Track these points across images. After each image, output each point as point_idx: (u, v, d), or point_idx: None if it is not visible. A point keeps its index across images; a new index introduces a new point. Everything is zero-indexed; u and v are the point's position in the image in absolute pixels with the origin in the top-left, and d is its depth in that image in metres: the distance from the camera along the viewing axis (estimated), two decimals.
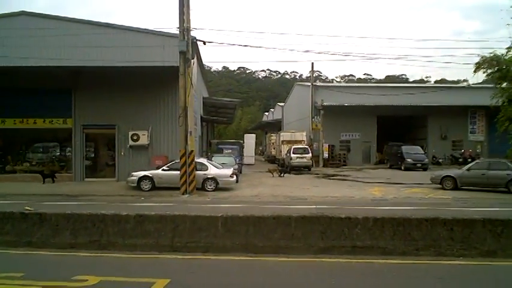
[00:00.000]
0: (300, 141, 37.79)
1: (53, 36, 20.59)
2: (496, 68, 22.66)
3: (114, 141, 24.74)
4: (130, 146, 24.25)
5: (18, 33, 20.66)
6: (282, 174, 28.60)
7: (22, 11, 22.20)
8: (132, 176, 20.55)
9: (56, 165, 25.60)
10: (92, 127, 24.80)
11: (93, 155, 26.20)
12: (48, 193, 19.08)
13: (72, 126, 24.61)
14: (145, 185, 20.12)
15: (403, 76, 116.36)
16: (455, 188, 20.49)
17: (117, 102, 24.30)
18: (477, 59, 23.13)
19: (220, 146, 37.23)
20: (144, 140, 24.11)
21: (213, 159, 25.52)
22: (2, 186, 20.72)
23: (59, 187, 21.26)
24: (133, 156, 24.34)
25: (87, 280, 6.36)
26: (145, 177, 20.28)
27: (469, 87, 43.02)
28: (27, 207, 10.23)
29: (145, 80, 23.82)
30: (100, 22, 22.54)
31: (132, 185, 20.36)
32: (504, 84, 22.37)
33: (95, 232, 8.59)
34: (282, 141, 40.22)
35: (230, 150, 34.23)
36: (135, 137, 24.06)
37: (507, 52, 22.06)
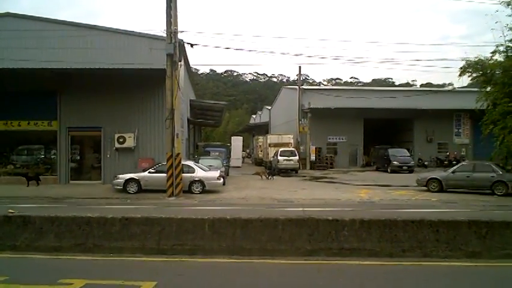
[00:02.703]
0: (287, 144, 37.87)
1: (38, 38, 20.39)
2: (480, 72, 22.94)
3: (100, 144, 24.52)
4: (117, 149, 24.05)
5: (3, 35, 20.47)
6: (270, 177, 28.61)
7: (7, 12, 21.92)
8: (118, 178, 20.39)
9: (41, 168, 25.29)
10: (77, 129, 24.57)
11: (78, 158, 25.88)
12: (33, 196, 18.83)
13: (57, 129, 24.36)
14: (132, 188, 19.98)
15: (390, 79, 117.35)
16: (441, 190, 20.69)
17: (103, 105, 24.09)
18: (462, 63, 23.40)
19: (207, 149, 37.11)
20: (130, 142, 23.94)
21: (200, 161, 25.41)
22: None
23: (44, 190, 21.00)
24: (119, 158, 24.15)
25: (72, 283, 6.29)
26: (131, 179, 20.13)
27: (454, 91, 43.53)
28: (10, 210, 10.08)
29: (132, 82, 23.66)
30: (86, 24, 22.33)
31: (118, 187, 20.20)
32: (488, 88, 22.65)
33: (80, 235, 8.50)
34: (269, 144, 40.26)
35: (217, 153, 34.14)
36: (121, 140, 23.88)
37: (491, 56, 22.35)
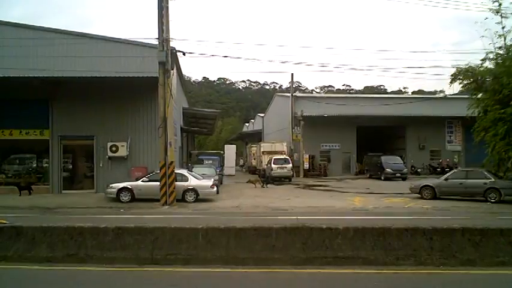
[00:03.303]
0: (280, 152, 37.89)
1: (29, 46, 20.27)
2: (471, 79, 23.08)
3: (93, 153, 24.39)
4: (109, 157, 23.94)
5: None
6: (264, 185, 28.56)
7: None
8: (111, 187, 20.27)
9: (33, 177, 25.09)
10: (69, 138, 24.44)
11: (71, 167, 25.72)
12: (25, 206, 18.67)
13: (49, 138, 24.20)
14: (125, 197, 19.86)
15: (382, 87, 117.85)
16: (434, 197, 20.73)
17: (96, 113, 24.01)
18: (453, 70, 23.53)
19: (200, 157, 37.17)
20: (123, 151, 23.84)
21: (193, 170, 25.36)
22: None
23: (36, 199, 20.82)
24: (112, 167, 24.02)
25: None
26: (124, 188, 20.03)
27: (446, 98, 43.78)
28: (2, 220, 10.00)
29: (124, 90, 23.61)
30: (78, 32, 22.24)
31: (111, 196, 20.09)
32: (479, 95, 22.77)
33: (73, 245, 8.42)
34: (263, 151, 40.28)
35: (211, 161, 34.12)
36: (114, 148, 23.78)
37: (482, 63, 22.50)
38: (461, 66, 23.07)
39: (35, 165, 25.93)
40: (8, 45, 20.18)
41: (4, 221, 9.75)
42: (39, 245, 8.48)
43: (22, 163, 26.10)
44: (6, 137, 24.35)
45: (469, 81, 23.36)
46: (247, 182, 29.75)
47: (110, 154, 23.81)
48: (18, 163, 26.08)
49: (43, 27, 22.10)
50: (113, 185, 20.36)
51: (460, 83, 24.09)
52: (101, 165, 24.17)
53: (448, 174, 22.34)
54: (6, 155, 25.90)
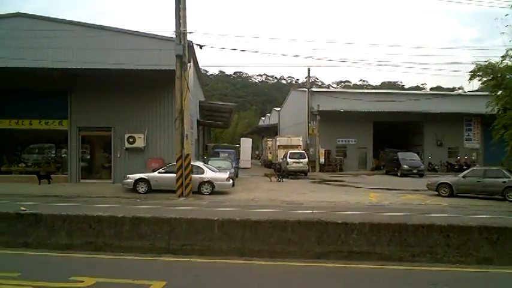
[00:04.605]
0: (296, 146, 37.87)
1: (49, 38, 20.57)
2: (491, 76, 22.75)
3: (110, 144, 24.70)
4: (126, 149, 24.21)
5: (14, 35, 20.63)
6: (279, 179, 28.58)
7: (18, 12, 22.16)
8: (128, 178, 20.50)
9: (52, 166, 25.55)
10: (88, 129, 24.84)
11: (89, 157, 26.15)
12: (44, 194, 19.01)
13: (67, 128, 24.60)
14: (142, 188, 20.09)
15: (399, 83, 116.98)
16: (451, 195, 20.55)
17: (114, 105, 24.30)
18: (472, 67, 23.22)
19: (216, 150, 37.19)
20: (140, 142, 24.09)
21: (209, 162, 25.49)
22: None
23: (55, 188, 21.18)
24: (129, 158, 24.30)
25: (83, 281, 6.33)
26: (141, 179, 20.25)
27: (465, 95, 43.22)
28: (22, 208, 10.19)
29: (142, 82, 23.83)
30: (96, 25, 22.50)
31: (128, 187, 20.32)
32: (499, 93, 22.45)
33: (91, 233, 8.56)
34: (279, 146, 40.29)
35: (227, 154, 34.20)
36: (131, 140, 24.04)
37: (502, 60, 22.15)
38: (480, 63, 22.77)
39: (54, 154, 26.45)
40: (27, 36, 20.43)
41: (24, 209, 9.93)
42: (58, 233, 8.64)
43: (41, 152, 26.62)
44: (26, 127, 24.78)
45: (488, 78, 23.01)
46: (263, 176, 29.80)
47: (127, 145, 24.08)
48: (38, 152, 26.61)
49: (62, 19, 22.45)
50: (130, 175, 20.60)
51: (479, 80, 23.77)
52: (118, 156, 24.49)
53: (466, 171, 22.11)
54: (26, 144, 26.43)
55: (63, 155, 25.66)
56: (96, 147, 26.32)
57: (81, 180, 24.54)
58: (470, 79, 23.70)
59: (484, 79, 23.37)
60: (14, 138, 25.76)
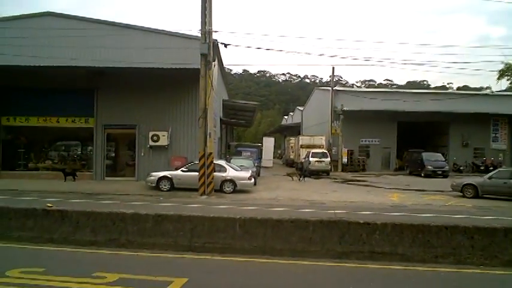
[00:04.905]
0: (318, 146, 37.77)
1: (77, 37, 20.93)
2: None
3: (135, 141, 24.98)
4: (150, 147, 24.47)
5: (44, 34, 20.92)
6: (301, 178, 28.50)
7: (48, 11, 22.56)
8: (152, 176, 20.73)
9: (78, 164, 26.00)
10: (113, 127, 25.11)
11: (113, 155, 26.52)
12: (70, 191, 19.36)
13: (93, 126, 24.95)
14: (164, 186, 20.28)
15: (425, 82, 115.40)
16: (476, 196, 20.17)
17: (138, 103, 24.56)
18: (501, 66, 22.79)
19: (239, 149, 37.26)
20: (163, 140, 24.31)
21: (231, 161, 25.56)
22: (24, 183, 21.14)
23: (80, 185, 21.55)
24: (152, 156, 24.54)
25: (106, 277, 6.45)
26: (164, 177, 20.44)
27: (492, 95, 42.36)
28: (48, 204, 10.41)
29: (166, 81, 24.04)
30: (122, 23, 22.80)
31: (152, 185, 20.54)
32: None
33: (115, 230, 8.70)
34: (301, 145, 40.22)
35: (249, 153, 34.24)
36: (155, 138, 24.28)
37: None
38: (509, 62, 22.32)
39: (79, 152, 26.90)
40: (55, 35, 20.78)
41: (50, 205, 10.13)
42: (83, 229, 8.81)
43: (67, 150, 27.09)
44: (54, 124, 25.24)
45: None
46: (285, 175, 29.79)
47: (151, 143, 24.32)
48: (64, 150, 27.08)
49: (89, 18, 22.72)
50: (153, 173, 20.81)
51: (508, 79, 23.31)
52: (142, 154, 24.72)
53: (491, 173, 21.65)
54: (52, 142, 26.92)
55: (89, 153, 26.07)
56: (121, 145, 26.67)
57: (106, 178, 24.86)
58: (498, 78, 23.32)
59: None
60: (42, 135, 26.24)
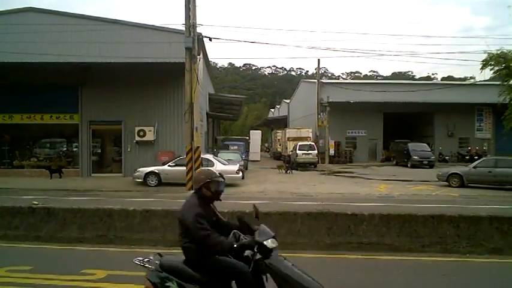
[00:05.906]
0: (305, 138, 37.82)
1: (60, 32, 20.70)
2: (503, 65, 22.52)
3: (121, 137, 24.83)
4: (137, 142, 24.33)
5: (26, 29, 20.69)
6: (289, 171, 28.57)
7: (30, 7, 22.27)
8: (139, 171, 20.63)
9: (63, 161, 25.76)
10: (98, 123, 24.91)
11: (99, 151, 26.35)
12: (56, 188, 19.17)
13: (78, 122, 24.72)
14: (152, 181, 20.20)
15: (410, 73, 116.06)
16: (462, 185, 20.40)
17: (124, 98, 24.37)
18: (484, 56, 23.00)
19: (226, 142, 37.24)
20: (150, 135, 24.19)
21: (219, 155, 25.53)
22: (10, 181, 20.86)
23: (66, 182, 21.37)
24: (139, 152, 24.42)
25: (95, 274, 6.43)
26: (151, 172, 20.36)
27: (476, 85, 42.76)
28: (34, 202, 10.31)
29: (152, 76, 23.88)
30: (106, 18, 22.56)
31: (139, 180, 20.43)
32: (511, 82, 22.24)
33: (102, 227, 8.67)
34: (288, 137, 40.27)
35: (236, 147, 34.22)
36: (141, 133, 24.14)
37: None
38: (492, 52, 22.54)
39: (65, 149, 26.67)
40: (38, 31, 20.53)
41: (37, 203, 10.05)
42: (70, 226, 8.77)
43: (53, 147, 26.87)
44: (38, 121, 24.98)
45: (500, 67, 22.80)
46: (275, 168, 29.90)
47: (138, 139, 24.19)
48: (49, 147, 26.85)
49: (74, 13, 22.53)
50: (140, 169, 20.72)
51: (491, 69, 23.55)
52: (128, 150, 24.59)
53: (476, 162, 21.90)
54: (37, 139, 26.65)
55: (74, 149, 25.85)
56: (107, 141, 26.49)
57: (92, 174, 24.70)
58: (482, 68, 23.50)
59: (496, 68, 23.15)
60: (26, 132, 25.95)
